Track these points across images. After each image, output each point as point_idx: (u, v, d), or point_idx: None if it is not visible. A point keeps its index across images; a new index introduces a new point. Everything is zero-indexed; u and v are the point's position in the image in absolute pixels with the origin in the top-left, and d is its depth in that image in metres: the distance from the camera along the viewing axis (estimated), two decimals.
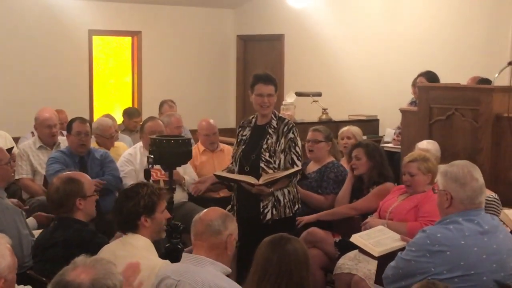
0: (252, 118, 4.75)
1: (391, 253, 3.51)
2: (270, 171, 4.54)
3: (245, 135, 4.70)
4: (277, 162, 4.54)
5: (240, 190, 4.64)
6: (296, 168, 4.53)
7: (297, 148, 4.57)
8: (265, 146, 4.55)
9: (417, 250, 3.14)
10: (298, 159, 4.58)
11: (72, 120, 5.70)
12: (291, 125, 4.60)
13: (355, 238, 3.78)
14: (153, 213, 3.38)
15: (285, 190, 4.56)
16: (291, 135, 4.55)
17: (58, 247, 3.35)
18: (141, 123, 8.01)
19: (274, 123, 4.61)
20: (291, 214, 4.60)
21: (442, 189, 3.23)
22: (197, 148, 6.26)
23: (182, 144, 4.63)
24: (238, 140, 4.75)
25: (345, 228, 4.87)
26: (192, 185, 5.70)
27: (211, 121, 6.40)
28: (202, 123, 6.39)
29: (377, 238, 3.68)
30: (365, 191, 5.03)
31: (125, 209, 3.35)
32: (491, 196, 4.47)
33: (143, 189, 3.39)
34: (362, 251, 3.85)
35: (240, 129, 4.78)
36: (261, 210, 4.50)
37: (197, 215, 3.10)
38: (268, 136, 4.57)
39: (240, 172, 4.64)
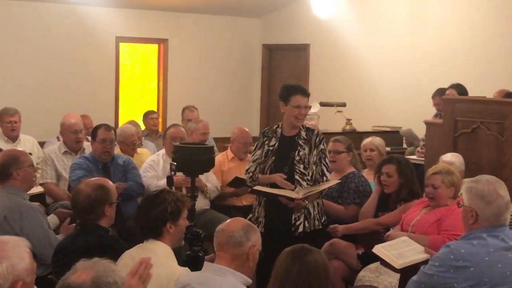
0: (277, 128, 4.71)
1: (413, 265, 3.47)
2: (304, 183, 4.53)
3: (272, 146, 4.65)
4: (310, 173, 4.53)
5: (269, 203, 4.61)
6: (335, 181, 4.58)
7: (327, 160, 4.59)
8: (297, 158, 4.53)
9: (440, 265, 3.11)
10: (328, 171, 4.58)
11: (97, 127, 5.73)
12: (322, 136, 4.60)
13: (377, 249, 3.75)
14: (178, 220, 3.40)
15: (315, 202, 4.57)
16: (322, 146, 4.57)
17: (79, 253, 3.36)
18: (158, 120, 8.15)
19: (303, 134, 4.59)
20: (320, 226, 4.60)
21: (467, 205, 3.19)
22: (225, 155, 6.29)
23: (205, 152, 4.64)
24: (265, 151, 4.68)
25: (369, 240, 4.83)
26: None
27: (246, 129, 6.40)
28: (240, 132, 6.33)
29: (400, 250, 3.65)
30: (392, 206, 4.97)
31: (152, 215, 3.36)
32: None
33: (169, 196, 3.41)
34: (384, 263, 3.82)
35: (265, 138, 4.72)
36: (293, 222, 4.49)
37: (220, 225, 3.11)
38: (299, 148, 4.55)
39: (272, 185, 4.60)
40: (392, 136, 7.89)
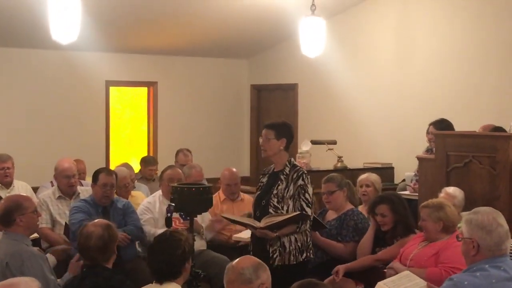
0: (272, 165, 4.83)
1: None
2: None
3: (263, 182, 4.80)
4: (285, 208, 4.58)
5: (254, 237, 4.72)
6: (295, 213, 4.53)
7: (306, 195, 4.59)
8: (275, 192, 4.62)
9: None
10: (308, 206, 4.58)
11: (99, 171, 5.72)
12: (301, 172, 4.64)
13: (380, 286, 3.77)
14: (190, 257, 3.44)
15: (292, 238, 4.58)
16: (300, 181, 4.59)
17: None
18: (156, 171, 8.14)
19: (287, 170, 4.67)
20: (295, 262, 4.58)
21: (468, 237, 3.24)
22: (218, 197, 6.34)
23: (203, 192, 4.70)
24: (257, 187, 4.85)
25: (367, 276, 4.87)
26: (209, 222, 5.81)
27: (234, 170, 6.47)
28: (224, 172, 6.46)
29: (402, 286, 3.68)
30: (389, 241, 5.02)
31: (174, 258, 3.40)
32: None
33: (182, 236, 3.46)
34: None
35: (261, 176, 4.89)
36: (271, 255, 4.53)
37: (230, 263, 3.15)
38: (279, 182, 4.64)
39: (254, 217, 4.72)
40: (383, 172, 7.94)
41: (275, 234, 4.50)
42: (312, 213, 4.65)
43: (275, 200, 4.60)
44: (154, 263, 3.47)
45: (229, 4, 8.28)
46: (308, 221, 4.61)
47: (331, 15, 8.92)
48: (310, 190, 4.63)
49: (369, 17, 9.09)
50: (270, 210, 4.60)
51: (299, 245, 4.59)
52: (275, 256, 4.53)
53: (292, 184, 4.59)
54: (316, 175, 7.15)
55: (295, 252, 4.58)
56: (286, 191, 4.59)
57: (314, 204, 5.59)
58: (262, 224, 4.52)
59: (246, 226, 4.78)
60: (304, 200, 4.58)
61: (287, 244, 4.56)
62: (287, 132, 4.74)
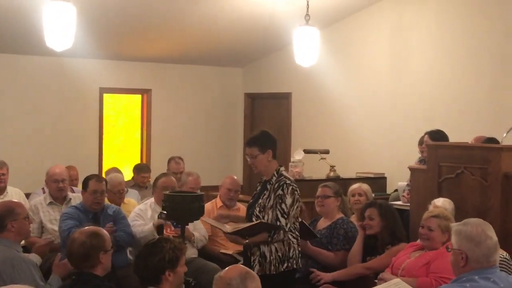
0: None
1: None
2: None
3: (256, 191, 4.82)
4: (265, 217, 4.58)
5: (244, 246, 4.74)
6: (255, 221, 4.54)
7: (283, 205, 4.54)
8: (260, 201, 4.65)
9: None
10: (283, 216, 4.53)
11: (89, 178, 5.72)
12: (282, 182, 4.60)
13: None
14: (176, 267, 3.44)
15: (273, 247, 4.56)
16: (280, 191, 4.57)
17: None
18: (149, 179, 8.13)
19: (274, 179, 4.68)
20: (275, 272, 4.55)
21: (457, 248, 3.25)
22: (214, 203, 6.37)
23: (195, 200, 4.70)
24: (252, 195, 4.88)
25: (358, 285, 4.88)
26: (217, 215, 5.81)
27: (236, 177, 6.54)
28: (226, 180, 6.47)
29: None
30: (380, 250, 5.04)
31: (151, 264, 3.42)
32: (502, 256, 4.46)
33: (167, 244, 3.46)
34: None
35: (257, 184, 4.90)
36: (252, 264, 4.54)
37: (219, 273, 3.15)
38: (265, 192, 4.66)
39: None
40: (376, 182, 7.98)
41: (245, 241, 4.52)
42: (286, 224, 4.54)
43: (258, 209, 4.63)
44: (134, 266, 3.53)
45: (224, 13, 8.31)
46: (282, 232, 4.53)
47: (326, 25, 8.95)
48: (289, 200, 4.56)
49: (363, 27, 9.13)
50: (253, 219, 4.62)
51: (280, 255, 4.57)
52: (254, 265, 4.53)
53: (273, 193, 4.60)
54: (309, 184, 7.19)
55: (275, 262, 4.56)
56: (267, 200, 4.61)
57: (304, 212, 5.64)
58: (229, 229, 4.57)
59: (222, 231, 4.87)
60: (280, 210, 4.54)
61: (267, 254, 4.56)
62: (269, 142, 4.70)
